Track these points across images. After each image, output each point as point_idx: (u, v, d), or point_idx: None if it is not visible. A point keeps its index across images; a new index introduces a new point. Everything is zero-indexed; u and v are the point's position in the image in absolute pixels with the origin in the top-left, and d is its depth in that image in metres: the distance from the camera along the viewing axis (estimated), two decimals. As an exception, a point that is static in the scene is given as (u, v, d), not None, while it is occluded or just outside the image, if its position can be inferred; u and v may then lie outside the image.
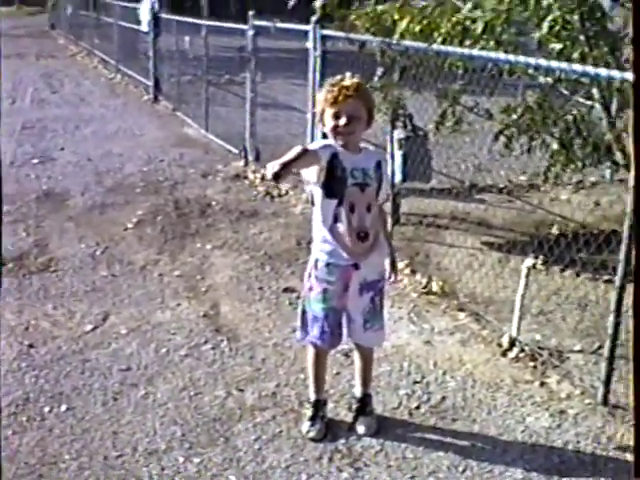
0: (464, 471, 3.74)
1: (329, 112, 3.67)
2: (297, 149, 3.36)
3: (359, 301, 3.89)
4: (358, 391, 4.17)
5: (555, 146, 6.34)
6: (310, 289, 3.89)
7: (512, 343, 4.92)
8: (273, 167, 3.20)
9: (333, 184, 3.69)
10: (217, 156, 10.06)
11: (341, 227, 3.74)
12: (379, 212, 3.96)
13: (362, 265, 3.79)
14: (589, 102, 6.08)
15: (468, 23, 5.58)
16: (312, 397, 4.12)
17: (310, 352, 4.07)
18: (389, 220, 6.67)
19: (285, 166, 3.23)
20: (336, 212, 3.73)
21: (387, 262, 4.00)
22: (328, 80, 3.88)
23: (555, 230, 6.93)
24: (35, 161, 9.63)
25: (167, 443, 3.93)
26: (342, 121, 3.64)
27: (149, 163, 9.61)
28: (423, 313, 5.47)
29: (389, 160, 6.62)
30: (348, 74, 3.80)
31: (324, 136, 3.88)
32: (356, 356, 4.20)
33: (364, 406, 4.12)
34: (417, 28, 5.94)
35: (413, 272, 6.09)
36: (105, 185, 8.61)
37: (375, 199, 3.82)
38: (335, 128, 3.66)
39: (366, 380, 4.17)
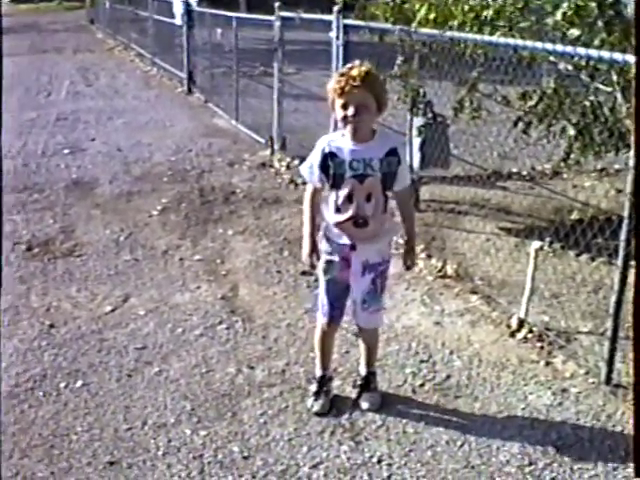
0: (462, 446, 3.82)
1: (338, 102, 3.75)
2: (306, 220, 4.06)
3: (361, 281, 4.00)
4: (362, 370, 4.28)
5: (572, 132, 6.37)
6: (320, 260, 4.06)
7: (521, 324, 4.98)
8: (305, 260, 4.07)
9: (330, 178, 3.87)
10: (245, 145, 10.19)
11: (339, 215, 3.89)
12: (404, 202, 4.09)
13: (360, 247, 3.92)
14: (608, 88, 6.09)
15: (480, 9, 5.64)
16: (318, 373, 4.23)
17: (318, 328, 4.19)
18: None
19: (312, 251, 4.01)
20: (336, 200, 3.89)
21: (393, 244, 4.11)
22: (338, 70, 3.97)
23: (574, 216, 6.93)
24: (66, 151, 9.84)
25: (176, 417, 4.06)
26: (350, 111, 3.71)
27: (177, 153, 9.76)
28: (436, 296, 5.54)
29: (407, 147, 6.69)
30: (357, 62, 3.86)
31: (337, 124, 4.00)
32: (361, 337, 4.31)
33: (368, 383, 4.22)
34: (432, 16, 6.02)
35: (429, 256, 6.16)
36: (133, 174, 8.78)
37: (379, 188, 3.87)
38: (344, 118, 3.76)
39: (370, 360, 4.27)
